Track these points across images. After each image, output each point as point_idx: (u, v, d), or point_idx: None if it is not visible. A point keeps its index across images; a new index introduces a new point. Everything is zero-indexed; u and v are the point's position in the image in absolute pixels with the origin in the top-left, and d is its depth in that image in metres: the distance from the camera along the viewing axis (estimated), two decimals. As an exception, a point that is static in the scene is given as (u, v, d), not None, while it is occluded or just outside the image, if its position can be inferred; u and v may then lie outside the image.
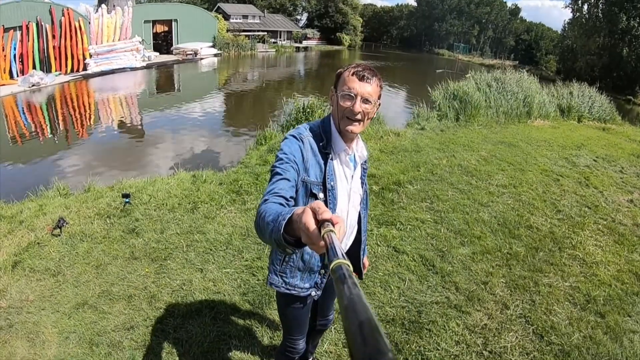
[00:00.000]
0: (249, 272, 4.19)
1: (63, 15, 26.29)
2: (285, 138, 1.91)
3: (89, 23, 28.20)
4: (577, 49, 46.02)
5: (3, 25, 23.33)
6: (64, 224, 5.00)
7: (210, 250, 4.57)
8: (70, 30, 26.41)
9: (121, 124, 14.34)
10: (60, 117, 15.50)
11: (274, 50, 56.88)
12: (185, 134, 12.39)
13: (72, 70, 26.16)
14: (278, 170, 1.73)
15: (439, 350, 3.29)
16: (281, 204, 1.50)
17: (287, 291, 2.15)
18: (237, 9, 61.13)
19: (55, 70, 25.15)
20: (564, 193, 6.22)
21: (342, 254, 0.76)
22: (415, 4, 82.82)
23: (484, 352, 3.28)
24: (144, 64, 31.66)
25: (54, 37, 25.63)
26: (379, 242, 4.79)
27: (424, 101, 12.14)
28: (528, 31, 77.61)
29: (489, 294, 3.97)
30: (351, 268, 0.71)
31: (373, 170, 6.88)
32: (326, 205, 1.87)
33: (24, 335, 3.41)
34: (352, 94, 1.81)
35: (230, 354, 3.25)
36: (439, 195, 5.98)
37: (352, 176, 2.07)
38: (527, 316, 3.69)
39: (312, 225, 0.96)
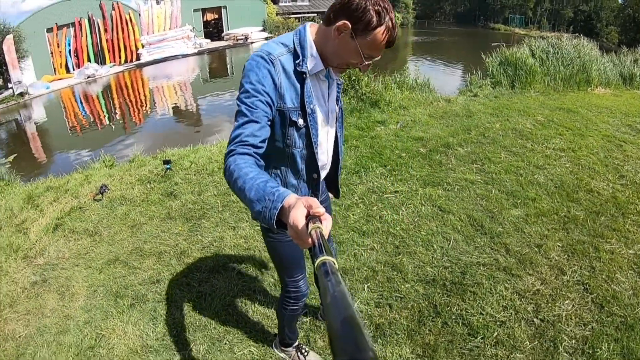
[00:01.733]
0: None
1: (113, 9, 27.07)
2: (251, 60, 1.57)
3: (139, 15, 28.82)
4: (639, 18, 43.64)
5: (56, 23, 24.26)
6: (106, 190, 5.20)
7: (246, 209, 4.43)
8: (122, 23, 27.15)
9: (177, 110, 14.22)
10: (117, 105, 15.82)
11: (324, 30, 56.39)
12: None
13: (125, 61, 26.88)
14: (244, 109, 1.47)
15: (482, 314, 2.96)
16: (251, 155, 1.37)
17: None
18: (284, -7, 60.87)
19: (110, 62, 26.00)
20: (628, 159, 5.65)
21: (328, 250, 0.76)
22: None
23: (534, 319, 2.91)
24: (196, 50, 32.11)
25: (106, 30, 26.40)
26: (423, 202, 4.49)
27: (477, 71, 11.51)
28: (587, 1, 73.44)
29: (544, 257, 3.56)
30: (336, 265, 0.72)
31: (420, 134, 6.56)
32: (307, 131, 1.72)
33: (56, 289, 3.56)
34: (374, 58, 1.58)
35: (253, 307, 3.13)
36: (491, 157, 5.55)
37: (329, 94, 1.82)
38: (586, 283, 3.25)
39: (301, 222, 0.93)
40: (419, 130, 6.76)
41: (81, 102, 17.10)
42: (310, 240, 0.87)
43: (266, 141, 1.49)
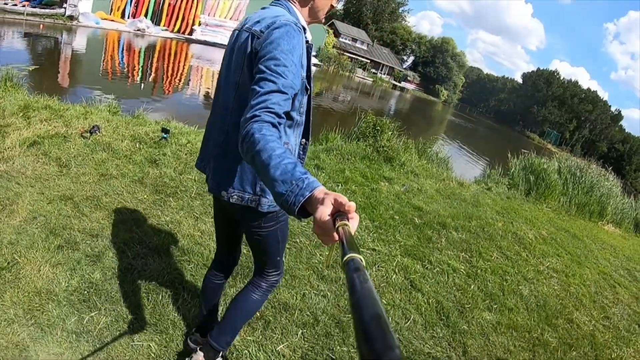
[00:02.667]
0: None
1: None
2: (283, 27, 1.57)
3: None
4: None
5: None
6: (97, 131, 5.15)
7: None
8: None
9: (207, 95, 13.86)
10: (153, 68, 15.78)
11: (372, 79, 57.13)
12: None
13: (178, 31, 27.17)
14: (271, 77, 1.44)
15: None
16: (275, 126, 1.31)
17: (276, 207, 1.86)
18: (349, 30, 62.25)
19: (163, 25, 26.22)
20: (617, 302, 5.36)
21: (356, 248, 0.75)
22: (521, 81, 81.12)
23: None
24: None
25: None
26: (397, 270, 4.16)
27: (498, 167, 11.36)
28: (624, 142, 73.58)
29: (500, 374, 3.26)
30: (364, 262, 0.71)
31: (421, 204, 6.30)
32: (309, 96, 1.78)
33: (1, 198, 3.47)
34: None
35: (175, 304, 2.85)
36: (482, 252, 5.27)
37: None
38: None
39: (329, 219, 0.91)
40: (421, 201, 6.51)
41: (122, 50, 17.14)
42: (337, 236, 0.87)
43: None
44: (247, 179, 1.77)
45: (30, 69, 9.72)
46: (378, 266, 4.13)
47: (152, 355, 2.42)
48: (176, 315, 2.75)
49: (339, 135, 9.31)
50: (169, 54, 19.85)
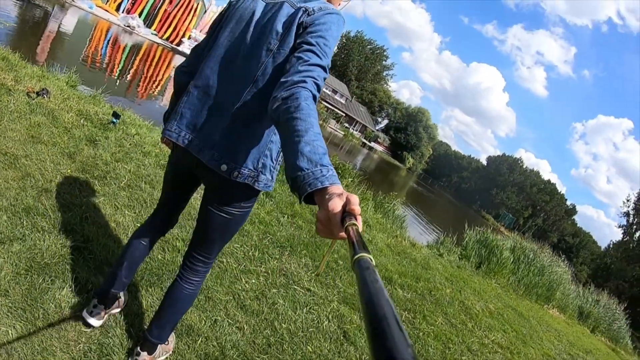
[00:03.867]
0: (159, 248, 3.31)
1: None
2: (338, 14, 1.66)
3: (205, 11, 29.45)
4: (613, 270, 45.22)
5: None
6: (45, 95, 4.81)
7: (144, 203, 3.84)
8: (187, 7, 27.66)
9: None
10: (133, 68, 15.33)
11: (343, 133, 57.71)
12: None
13: (167, 39, 27.07)
14: (319, 52, 1.49)
15: None
16: (314, 100, 1.32)
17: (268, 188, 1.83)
18: (331, 81, 63.49)
19: (154, 29, 26.30)
20: (560, 388, 5.08)
21: (365, 247, 0.75)
22: (485, 163, 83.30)
23: None
24: None
25: (170, 2, 26.84)
26: (330, 318, 3.65)
27: (452, 236, 11.22)
28: (575, 235, 75.82)
29: None
30: (374, 262, 0.71)
31: (368, 255, 5.88)
32: None
33: None
34: None
35: (45, 294, 2.31)
36: (427, 316, 4.87)
37: None
38: None
39: (339, 215, 0.89)
40: (370, 252, 6.09)
41: (107, 42, 16.80)
42: (344, 234, 0.86)
43: None
44: (251, 153, 1.70)
45: (7, 24, 9.59)
46: (310, 308, 3.62)
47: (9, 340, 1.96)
48: (54, 306, 2.23)
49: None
50: (152, 59, 19.51)
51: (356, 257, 0.71)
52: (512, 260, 10.76)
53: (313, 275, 3.57)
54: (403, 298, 5.05)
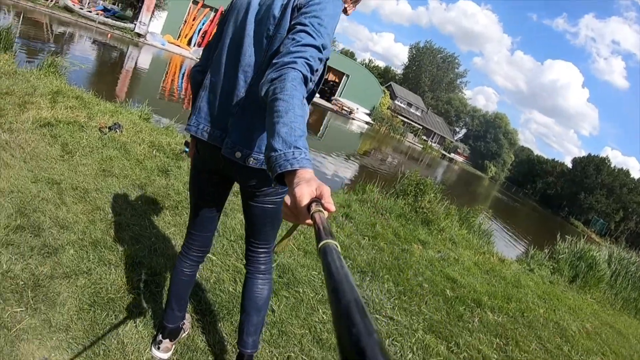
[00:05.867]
0: (231, 279, 3.22)
1: None
2: None
3: None
4: None
5: (204, 1, 25.93)
6: (117, 130, 4.99)
7: (217, 232, 3.74)
8: None
9: None
10: None
11: (422, 146, 56.88)
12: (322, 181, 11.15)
13: None
14: (312, 32, 1.46)
15: None
16: (306, 83, 1.32)
17: None
18: (405, 94, 62.92)
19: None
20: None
21: (331, 234, 0.74)
22: (570, 165, 78.85)
23: None
24: None
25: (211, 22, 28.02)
26: (414, 349, 3.35)
27: (542, 249, 10.51)
28: (677, 236, 69.78)
29: None
30: (339, 248, 0.71)
31: (456, 275, 5.55)
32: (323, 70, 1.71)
33: None
34: None
35: (110, 328, 2.27)
36: (520, 341, 4.42)
37: None
38: None
39: (305, 200, 0.89)
40: (457, 272, 5.75)
41: (182, 76, 17.50)
42: (310, 221, 0.85)
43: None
44: (265, 139, 1.67)
45: (83, 66, 10.17)
46: (393, 339, 3.36)
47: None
48: (116, 342, 2.18)
49: (377, 189, 8.75)
50: None
51: (322, 243, 0.71)
52: (609, 272, 9.87)
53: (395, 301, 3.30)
54: (494, 322, 4.62)
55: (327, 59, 1.63)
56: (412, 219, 7.44)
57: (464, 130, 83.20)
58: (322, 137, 22.77)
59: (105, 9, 25.81)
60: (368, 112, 49.03)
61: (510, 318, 4.99)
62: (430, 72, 73.64)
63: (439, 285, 4.92)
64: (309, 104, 1.76)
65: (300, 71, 1.30)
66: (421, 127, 61.98)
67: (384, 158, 28.33)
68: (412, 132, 59.14)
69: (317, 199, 0.90)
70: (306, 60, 1.35)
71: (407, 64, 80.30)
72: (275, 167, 1.01)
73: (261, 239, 2.03)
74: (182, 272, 2.15)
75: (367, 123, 46.47)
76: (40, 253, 2.57)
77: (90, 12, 22.61)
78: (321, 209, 0.86)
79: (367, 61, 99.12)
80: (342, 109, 43.43)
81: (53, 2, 21.51)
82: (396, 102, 59.34)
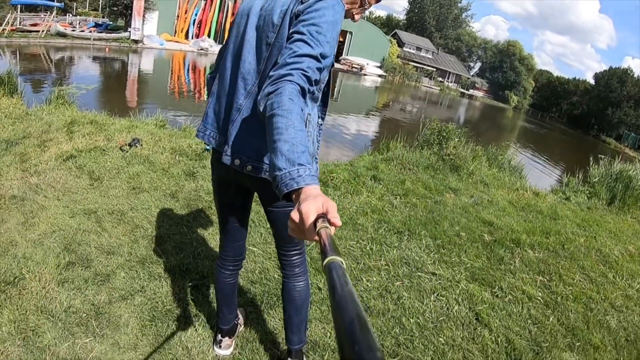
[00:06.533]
0: (275, 267, 3.33)
1: None
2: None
3: None
4: None
5: None
6: (137, 145, 5.06)
7: (252, 223, 3.90)
8: None
9: None
10: None
11: (439, 88, 55.91)
12: (333, 146, 11.19)
13: None
14: (310, 41, 1.42)
15: None
16: (304, 94, 1.31)
17: None
18: (412, 39, 61.57)
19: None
20: None
21: (337, 250, 0.75)
22: (593, 82, 76.44)
23: None
24: None
25: (233, 14, 27.64)
26: (460, 300, 3.48)
27: (576, 174, 10.36)
28: None
29: None
30: (344, 265, 0.71)
31: (492, 218, 5.57)
32: (330, 74, 1.71)
33: (25, 211, 3.49)
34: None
35: (175, 339, 2.43)
36: (563, 275, 4.48)
37: None
38: None
39: (312, 217, 0.89)
40: (492, 214, 5.78)
41: (188, 70, 17.53)
42: (316, 237, 0.86)
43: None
44: (265, 148, 1.66)
45: (90, 87, 10.39)
46: (437, 294, 3.47)
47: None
48: (181, 349, 2.36)
49: (400, 144, 8.73)
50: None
51: (327, 260, 0.72)
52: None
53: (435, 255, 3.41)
54: (535, 260, 4.67)
55: (332, 66, 1.62)
56: (440, 168, 7.44)
57: (478, 64, 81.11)
58: (338, 99, 22.57)
59: (97, 25, 25.83)
60: (379, 64, 48.32)
61: (551, 252, 5.03)
62: (433, 12, 71.50)
63: (476, 232, 4.99)
64: (325, 107, 1.81)
65: (298, 83, 1.29)
66: (435, 69, 60.78)
67: (404, 107, 28.07)
68: (426, 76, 58.09)
69: (324, 215, 0.91)
70: (303, 72, 1.33)
71: (408, 8, 78.37)
72: (281, 186, 1.02)
73: (290, 242, 2.03)
74: (222, 282, 2.21)
75: (379, 76, 45.86)
76: (94, 283, 2.74)
77: (83, 31, 22.73)
78: (327, 225, 0.88)
79: (367, 14, 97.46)
80: (352, 67, 42.90)
81: (44, 32, 21.70)
82: (405, 49, 58.19)
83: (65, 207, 3.64)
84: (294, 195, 1.01)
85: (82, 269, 2.87)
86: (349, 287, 0.62)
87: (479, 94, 69.37)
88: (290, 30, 1.52)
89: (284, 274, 2.11)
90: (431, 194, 6.00)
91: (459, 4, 76.70)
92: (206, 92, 2.04)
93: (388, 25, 74.73)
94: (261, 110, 1.25)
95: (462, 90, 64.51)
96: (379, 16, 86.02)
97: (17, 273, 2.71)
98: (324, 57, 1.44)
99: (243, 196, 2.04)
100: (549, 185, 10.28)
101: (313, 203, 0.91)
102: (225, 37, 1.97)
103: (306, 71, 1.34)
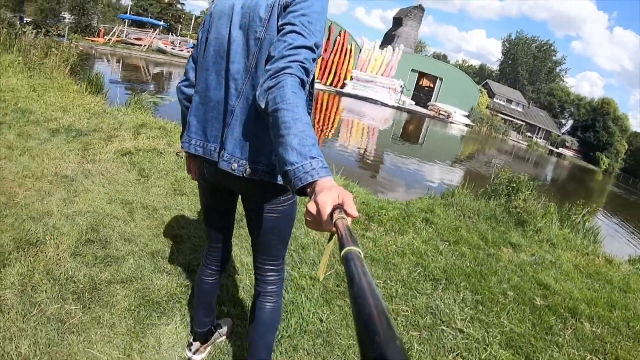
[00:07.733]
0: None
1: (339, 35, 28.99)
2: None
3: (360, 50, 30.56)
4: None
5: None
6: None
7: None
8: (342, 50, 29.16)
9: (358, 151, 13.66)
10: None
11: (527, 143, 54.22)
12: (414, 188, 10.69)
13: (330, 84, 28.59)
14: (303, 32, 1.41)
15: None
16: (303, 86, 1.30)
17: None
18: (503, 90, 60.62)
19: (317, 79, 28.23)
20: None
21: (354, 241, 0.75)
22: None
23: None
24: (396, 105, 33.26)
25: (325, 50, 28.53)
26: None
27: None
28: None
29: None
30: (362, 255, 0.71)
31: (550, 281, 4.98)
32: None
33: (70, 190, 3.84)
34: None
35: (152, 330, 2.46)
36: (621, 357, 3.80)
37: None
38: None
39: (328, 209, 0.90)
40: (551, 277, 5.17)
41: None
42: (333, 228, 0.86)
43: None
44: (263, 148, 1.60)
45: (174, 100, 11.13)
46: (457, 354, 3.01)
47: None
48: (154, 339, 2.39)
49: (467, 191, 8.22)
50: (321, 105, 20.69)
51: (345, 250, 0.71)
52: None
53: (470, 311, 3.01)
54: (591, 335, 4.03)
55: (319, 57, 1.55)
56: (504, 220, 6.95)
57: (570, 122, 77.61)
58: (422, 145, 22.35)
59: (194, 46, 27.05)
60: (466, 113, 47.65)
61: (612, 329, 4.41)
62: (526, 64, 70.07)
63: (527, 293, 4.46)
64: (309, 105, 1.71)
65: (297, 76, 1.28)
66: (524, 123, 59.04)
67: (488, 161, 27.21)
68: (514, 130, 56.50)
69: (340, 206, 0.90)
70: (301, 64, 1.32)
71: (501, 59, 77.44)
72: (295, 181, 1.01)
73: (268, 254, 1.94)
74: (203, 281, 2.17)
75: (466, 125, 45.16)
76: (103, 262, 2.89)
77: (181, 50, 24.05)
78: (344, 215, 0.87)
79: (460, 62, 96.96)
80: (440, 114, 42.60)
81: (146, 46, 23.16)
82: (495, 99, 57.09)
83: (107, 194, 3.91)
84: (308, 189, 1.00)
85: (97, 248, 3.05)
86: (367, 278, 0.61)
87: (568, 153, 66.40)
88: (280, 22, 1.49)
89: (255, 290, 2.02)
90: (486, 246, 5.53)
91: (554, 58, 74.97)
92: (180, 104, 1.96)
93: (480, 74, 74.31)
94: (262, 106, 1.23)
95: (550, 147, 62.10)
96: (471, 65, 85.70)
97: (41, 237, 2.98)
98: (317, 47, 1.43)
99: (230, 202, 2.03)
100: (628, 255, 9.45)
101: (329, 194, 0.92)
102: (196, 42, 1.92)
103: (304, 63, 1.33)
